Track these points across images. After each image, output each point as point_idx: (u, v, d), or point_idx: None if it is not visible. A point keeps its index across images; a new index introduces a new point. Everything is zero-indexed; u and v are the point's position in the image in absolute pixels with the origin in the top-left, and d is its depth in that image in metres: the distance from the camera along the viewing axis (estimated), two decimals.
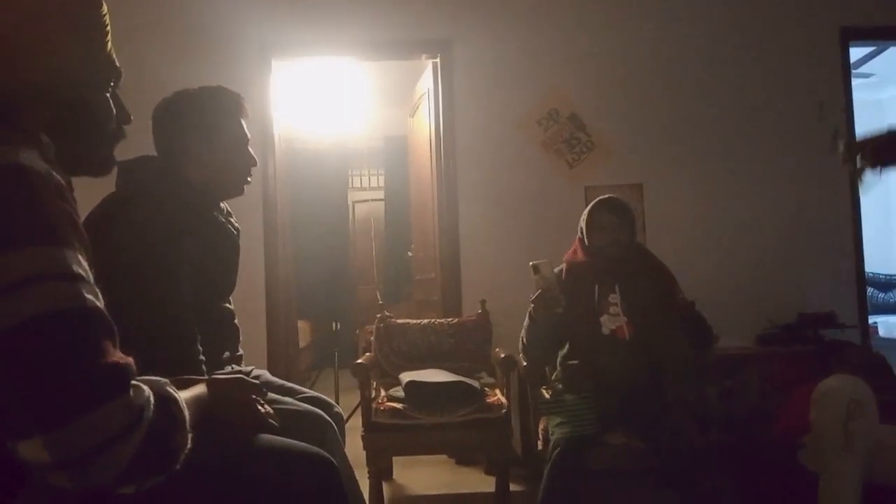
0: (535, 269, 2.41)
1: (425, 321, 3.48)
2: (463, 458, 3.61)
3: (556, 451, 2.23)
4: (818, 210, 3.94)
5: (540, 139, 3.90)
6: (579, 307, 2.54)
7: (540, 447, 2.54)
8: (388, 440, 2.82)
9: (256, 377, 1.78)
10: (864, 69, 5.48)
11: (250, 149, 1.86)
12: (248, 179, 1.88)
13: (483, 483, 3.28)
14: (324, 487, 1.30)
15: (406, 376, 2.97)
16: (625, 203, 2.64)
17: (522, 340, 2.64)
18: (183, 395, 0.98)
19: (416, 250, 4.89)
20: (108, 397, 0.81)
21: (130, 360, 0.87)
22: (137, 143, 1.40)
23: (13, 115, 0.94)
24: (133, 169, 1.67)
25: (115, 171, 1.22)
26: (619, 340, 2.50)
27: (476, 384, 2.94)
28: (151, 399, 0.87)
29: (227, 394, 1.32)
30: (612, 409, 2.36)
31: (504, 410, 2.84)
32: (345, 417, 2.06)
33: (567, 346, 2.57)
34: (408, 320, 3.50)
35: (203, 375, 1.52)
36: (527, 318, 2.58)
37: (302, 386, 2.09)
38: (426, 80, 4.18)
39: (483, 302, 3.47)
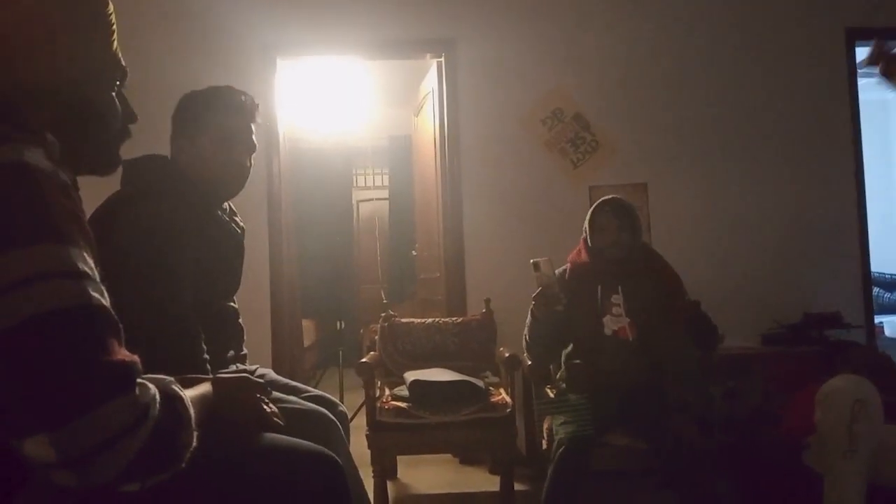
0: (536, 266, 2.41)
1: (429, 320, 3.48)
2: (467, 458, 3.61)
3: (560, 451, 2.23)
4: (823, 209, 3.93)
5: (544, 139, 3.90)
6: (582, 307, 2.54)
7: (544, 446, 2.54)
8: (392, 439, 2.82)
9: (261, 376, 1.78)
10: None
11: (254, 138, 1.86)
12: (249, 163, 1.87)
13: (487, 482, 3.28)
14: (328, 486, 1.30)
15: (410, 375, 2.97)
16: (628, 204, 2.62)
17: (525, 338, 2.64)
18: (188, 394, 0.98)
19: (421, 249, 4.89)
20: (113, 395, 0.81)
21: (136, 357, 0.87)
22: (143, 142, 1.40)
23: (18, 113, 0.94)
24: (138, 168, 1.67)
25: (120, 170, 1.22)
26: (622, 341, 2.49)
27: (480, 383, 2.94)
28: (157, 397, 0.87)
29: (232, 393, 1.32)
30: (611, 410, 2.36)
31: (508, 410, 2.84)
32: (349, 416, 2.06)
33: (571, 346, 2.57)
34: (412, 319, 3.50)
35: (207, 374, 1.51)
36: (529, 316, 2.58)
37: (306, 385, 2.09)
38: (430, 79, 4.18)
39: (487, 301, 3.47)
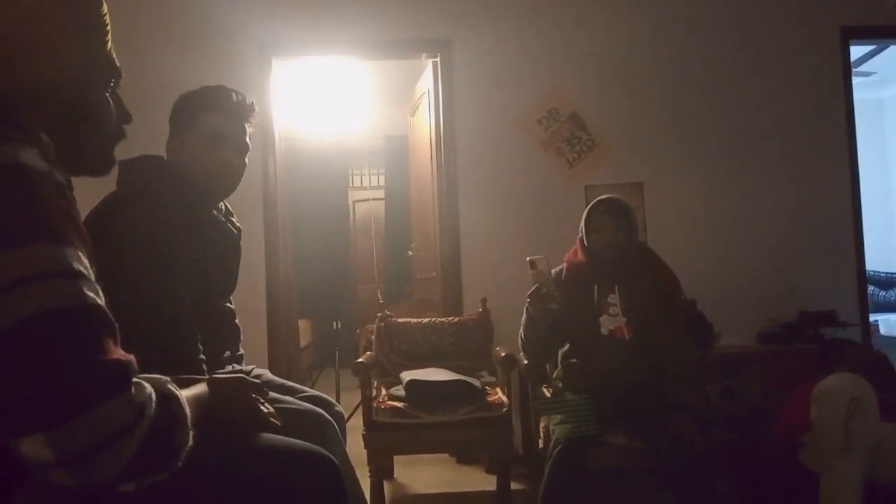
0: (532, 264, 2.41)
1: (426, 320, 3.48)
2: (464, 457, 3.61)
3: (557, 450, 2.23)
4: (819, 208, 3.94)
5: (540, 138, 3.90)
6: (578, 307, 2.54)
7: (541, 446, 2.54)
8: (389, 439, 2.82)
9: (257, 376, 1.78)
10: (864, 67, 5.48)
11: (247, 138, 1.84)
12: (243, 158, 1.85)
13: (484, 482, 3.28)
14: (325, 487, 1.30)
15: (407, 375, 2.97)
16: (624, 204, 2.61)
17: (521, 337, 2.64)
18: (184, 394, 0.98)
19: (417, 249, 4.89)
20: (109, 394, 0.81)
21: (132, 357, 0.87)
22: (138, 142, 1.40)
23: (13, 114, 0.94)
24: (134, 168, 1.67)
25: (115, 170, 1.22)
26: (618, 341, 2.49)
27: (477, 383, 2.94)
28: (153, 396, 0.87)
29: (228, 393, 1.31)
30: (607, 410, 2.36)
31: (505, 409, 2.84)
32: (346, 416, 2.05)
33: (567, 345, 2.57)
34: (408, 319, 3.50)
35: (204, 375, 1.51)
36: (524, 314, 2.58)
37: (303, 385, 2.09)
38: (426, 79, 4.18)
39: (484, 301, 3.47)
